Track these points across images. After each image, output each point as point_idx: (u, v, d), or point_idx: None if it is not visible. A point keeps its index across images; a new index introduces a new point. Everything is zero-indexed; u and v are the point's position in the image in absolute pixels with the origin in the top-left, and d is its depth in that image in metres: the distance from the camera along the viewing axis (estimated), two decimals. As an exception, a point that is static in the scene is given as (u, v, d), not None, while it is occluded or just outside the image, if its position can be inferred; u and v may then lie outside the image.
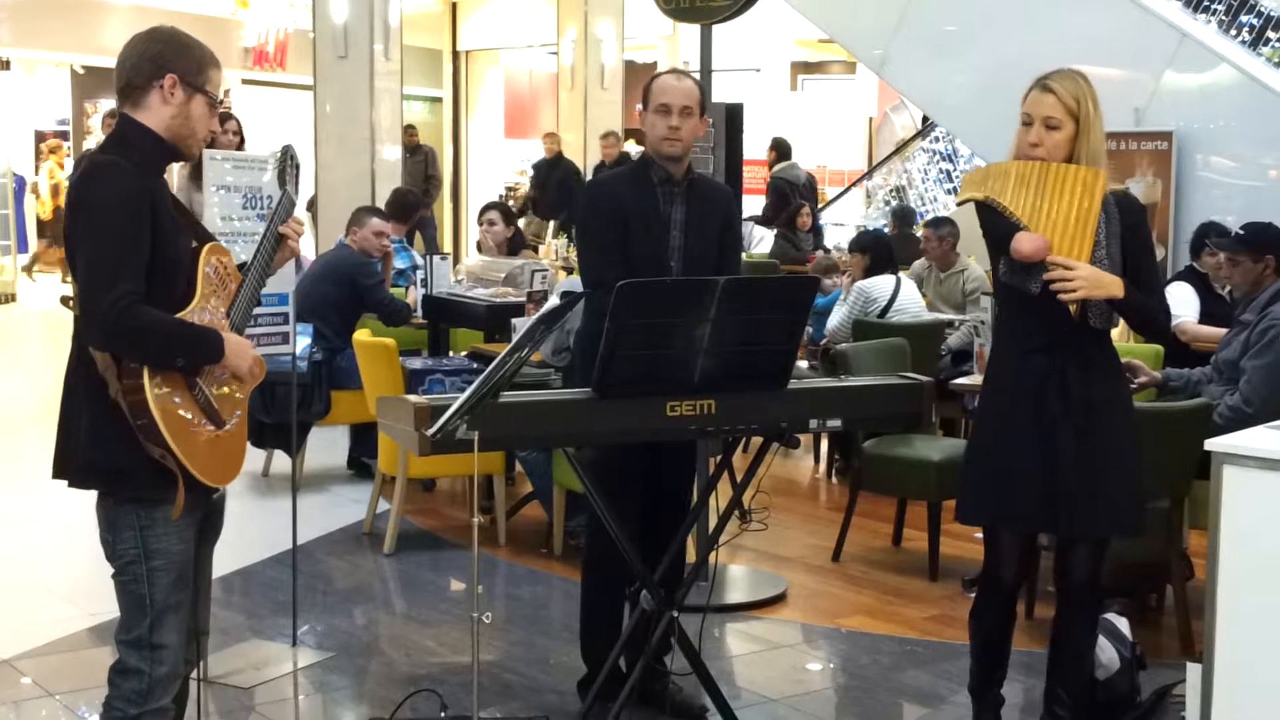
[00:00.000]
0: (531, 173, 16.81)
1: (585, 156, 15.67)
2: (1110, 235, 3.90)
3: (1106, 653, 4.42)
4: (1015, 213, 3.83)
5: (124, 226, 3.13)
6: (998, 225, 3.90)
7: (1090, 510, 3.93)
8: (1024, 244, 3.79)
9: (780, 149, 14.61)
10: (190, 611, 3.39)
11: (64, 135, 20.14)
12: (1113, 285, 3.81)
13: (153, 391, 3.13)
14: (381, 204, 9.44)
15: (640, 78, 16.86)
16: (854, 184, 15.55)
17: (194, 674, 3.74)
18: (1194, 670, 3.41)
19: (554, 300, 3.84)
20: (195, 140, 3.37)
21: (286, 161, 3.72)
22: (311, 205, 12.80)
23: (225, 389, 3.33)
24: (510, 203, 15.11)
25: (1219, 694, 3.27)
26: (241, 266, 3.52)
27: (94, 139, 16.34)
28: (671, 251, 4.44)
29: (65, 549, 6.30)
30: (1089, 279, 3.78)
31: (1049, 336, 3.91)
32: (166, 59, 3.29)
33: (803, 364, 8.33)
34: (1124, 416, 4.03)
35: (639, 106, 4.54)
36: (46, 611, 5.69)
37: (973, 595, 5.92)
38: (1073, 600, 4.13)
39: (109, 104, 16.86)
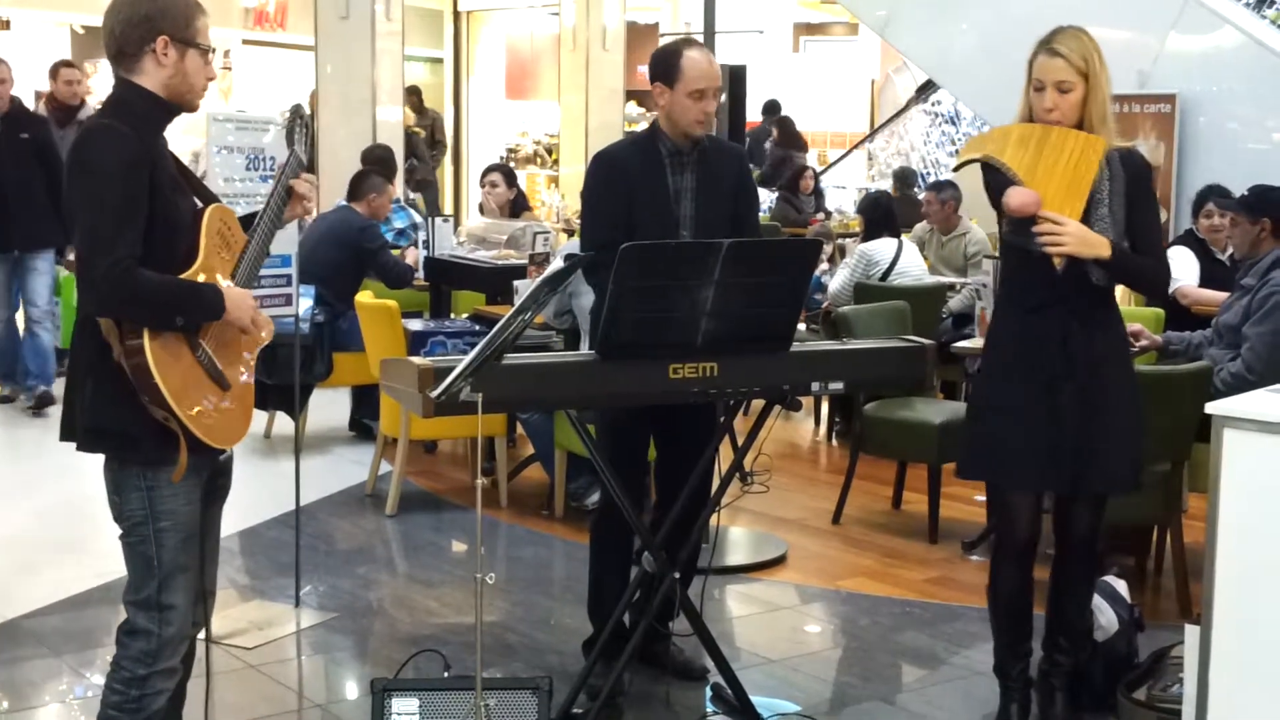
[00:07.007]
0: None
1: (587, 119, 15.58)
2: (1114, 193, 3.91)
3: (1105, 614, 4.43)
4: (1014, 169, 3.86)
5: (120, 192, 3.12)
6: (998, 183, 3.92)
7: (1090, 468, 3.95)
8: (1013, 198, 3.83)
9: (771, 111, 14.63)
10: (198, 573, 3.40)
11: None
12: (1100, 246, 3.83)
13: (155, 354, 3.13)
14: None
15: (642, 38, 16.78)
16: (855, 146, 15.50)
17: (199, 634, 3.76)
18: (1192, 632, 3.42)
19: (557, 262, 3.83)
20: (195, 94, 3.35)
21: (296, 121, 3.69)
22: (311, 166, 12.72)
23: (230, 350, 3.33)
24: (511, 164, 14.98)
25: (1217, 656, 3.28)
26: (247, 219, 3.51)
27: (95, 99, 16.28)
28: (683, 221, 4.43)
29: (73, 508, 6.31)
30: (1077, 236, 3.80)
31: (1052, 294, 3.93)
32: (154, 21, 3.26)
33: (800, 327, 8.34)
34: (1126, 374, 4.07)
35: (652, 80, 4.43)
36: (54, 571, 5.71)
37: (972, 558, 5.98)
38: (1072, 555, 4.16)
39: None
